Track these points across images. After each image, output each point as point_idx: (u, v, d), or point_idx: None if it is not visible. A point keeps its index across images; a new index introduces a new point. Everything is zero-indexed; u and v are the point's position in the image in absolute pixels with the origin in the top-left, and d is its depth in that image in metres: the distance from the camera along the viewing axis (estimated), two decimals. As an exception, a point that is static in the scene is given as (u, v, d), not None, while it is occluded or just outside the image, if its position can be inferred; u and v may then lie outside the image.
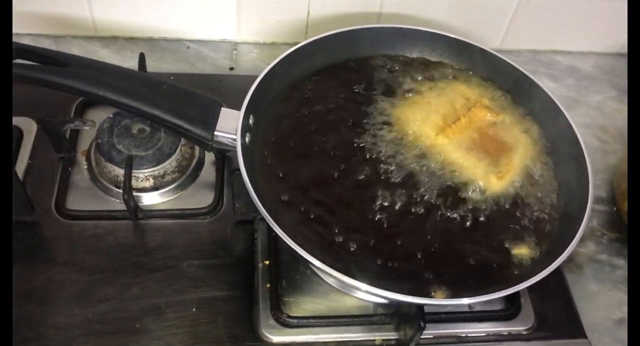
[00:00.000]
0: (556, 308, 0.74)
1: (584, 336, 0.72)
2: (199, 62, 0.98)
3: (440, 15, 0.98)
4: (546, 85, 0.79)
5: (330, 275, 0.60)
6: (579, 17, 1.01)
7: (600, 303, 0.77)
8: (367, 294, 0.66)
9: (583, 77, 1.05)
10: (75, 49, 0.97)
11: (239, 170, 0.64)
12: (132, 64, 0.88)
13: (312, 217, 0.67)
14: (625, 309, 0.77)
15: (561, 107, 0.76)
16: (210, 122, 0.67)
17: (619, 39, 1.06)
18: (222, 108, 0.69)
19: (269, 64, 0.74)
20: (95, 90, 0.63)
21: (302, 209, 0.67)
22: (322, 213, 0.67)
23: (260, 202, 0.62)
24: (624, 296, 0.78)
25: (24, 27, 0.95)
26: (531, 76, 0.79)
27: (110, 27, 0.98)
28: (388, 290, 0.59)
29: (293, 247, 0.59)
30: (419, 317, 0.62)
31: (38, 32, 0.97)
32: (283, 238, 0.60)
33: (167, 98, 0.66)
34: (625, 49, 1.08)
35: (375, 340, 0.69)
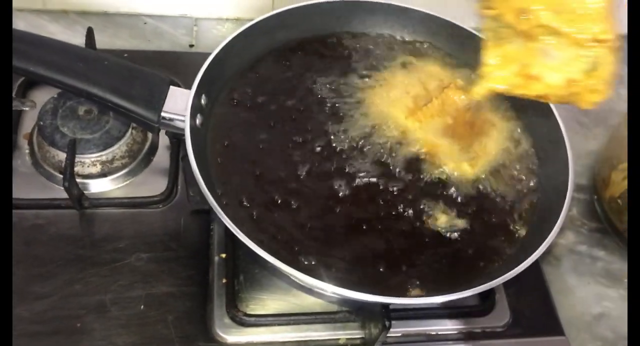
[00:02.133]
0: (532, 303, 0.71)
1: (562, 333, 0.69)
2: (156, 38, 0.93)
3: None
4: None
5: (289, 274, 0.55)
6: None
7: (578, 298, 0.74)
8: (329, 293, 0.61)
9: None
10: (21, 23, 0.90)
11: (189, 155, 0.59)
12: (83, 40, 0.81)
13: (270, 209, 0.62)
14: (605, 303, 0.74)
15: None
16: (156, 102, 0.61)
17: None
18: (171, 86, 0.63)
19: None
20: (23, 65, 0.56)
21: (263, 199, 0.62)
22: (282, 206, 0.62)
23: (210, 191, 0.56)
24: (603, 290, 0.75)
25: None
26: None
27: (60, 0, 0.91)
28: (350, 288, 0.54)
29: (247, 243, 0.54)
30: (384, 316, 0.57)
31: (-21, 4, 0.90)
32: (235, 232, 0.54)
33: (108, 75, 0.60)
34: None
35: (339, 339, 0.66)
